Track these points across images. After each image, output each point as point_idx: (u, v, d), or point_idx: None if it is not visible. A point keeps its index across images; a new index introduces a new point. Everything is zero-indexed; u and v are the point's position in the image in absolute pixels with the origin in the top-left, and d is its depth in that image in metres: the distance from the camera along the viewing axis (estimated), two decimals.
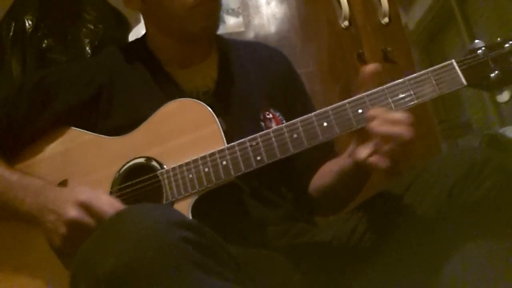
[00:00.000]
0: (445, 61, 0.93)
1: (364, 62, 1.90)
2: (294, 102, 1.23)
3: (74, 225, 0.94)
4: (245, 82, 1.20)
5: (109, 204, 0.95)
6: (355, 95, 0.95)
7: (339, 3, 1.93)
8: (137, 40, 1.27)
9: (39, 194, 1.01)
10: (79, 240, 0.87)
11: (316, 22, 1.95)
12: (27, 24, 1.62)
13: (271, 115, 1.17)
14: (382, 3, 1.91)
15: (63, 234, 0.95)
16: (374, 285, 0.99)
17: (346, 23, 1.94)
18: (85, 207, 0.95)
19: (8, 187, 1.04)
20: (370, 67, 0.94)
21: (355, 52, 1.92)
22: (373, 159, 0.89)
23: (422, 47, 2.55)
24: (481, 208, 0.90)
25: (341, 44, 1.94)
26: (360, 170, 1.01)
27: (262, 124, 1.14)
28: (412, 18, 2.45)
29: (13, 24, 1.62)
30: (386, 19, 1.93)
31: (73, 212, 0.94)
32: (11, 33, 1.62)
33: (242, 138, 0.98)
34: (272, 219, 1.10)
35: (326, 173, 1.16)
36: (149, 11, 1.17)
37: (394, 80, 0.94)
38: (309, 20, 1.96)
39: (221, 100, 1.14)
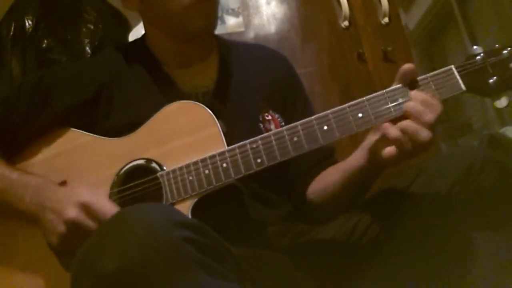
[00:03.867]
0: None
1: (364, 62, 1.90)
2: (293, 106, 1.22)
3: (73, 225, 0.94)
4: (245, 83, 1.19)
5: (109, 207, 0.95)
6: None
7: (339, 3, 1.93)
8: (136, 40, 1.27)
9: (39, 192, 1.00)
10: (76, 240, 0.86)
11: (316, 22, 1.95)
12: (27, 24, 1.62)
13: (270, 117, 1.17)
14: (382, 3, 1.91)
15: (61, 233, 0.95)
16: (375, 284, 0.99)
17: (346, 23, 1.94)
18: (86, 208, 0.95)
19: (8, 185, 1.03)
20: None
21: (355, 52, 1.92)
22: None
23: (422, 47, 2.55)
24: (481, 207, 0.90)
25: (341, 44, 1.94)
26: (369, 167, 1.00)
27: (261, 125, 1.14)
28: (412, 18, 2.45)
29: (13, 24, 1.62)
30: (386, 19, 1.93)
31: (73, 213, 0.94)
32: (11, 33, 1.61)
33: (240, 140, 0.98)
34: (272, 220, 1.11)
35: (330, 175, 1.14)
36: (147, 11, 1.17)
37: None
38: (309, 20, 1.95)
39: (220, 101, 1.14)
